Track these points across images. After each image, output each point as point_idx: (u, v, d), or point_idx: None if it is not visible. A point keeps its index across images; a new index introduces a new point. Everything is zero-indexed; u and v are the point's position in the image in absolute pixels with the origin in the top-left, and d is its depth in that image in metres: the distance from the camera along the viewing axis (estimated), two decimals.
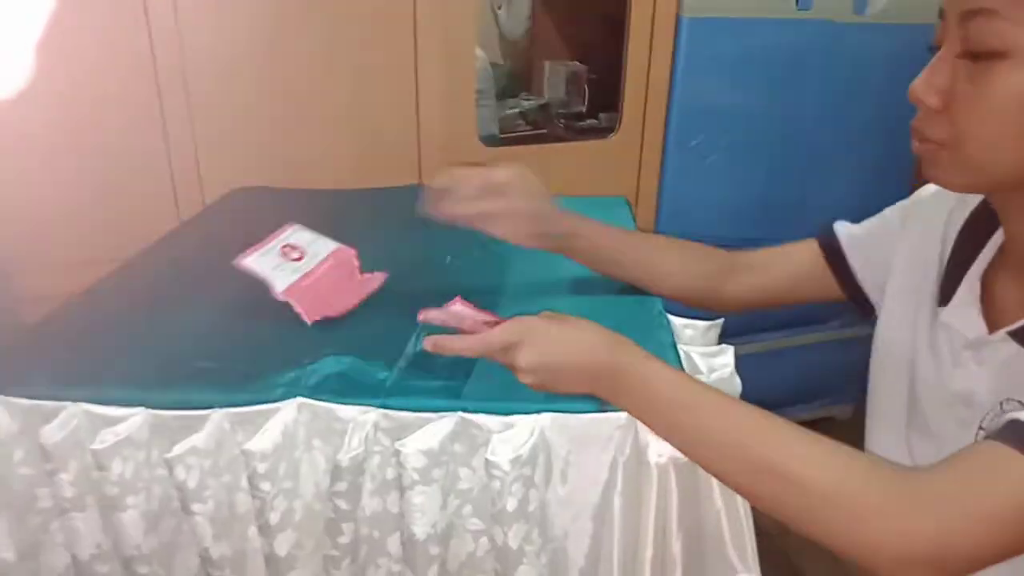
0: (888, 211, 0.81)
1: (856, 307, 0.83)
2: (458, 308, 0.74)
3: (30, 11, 1.27)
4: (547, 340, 0.67)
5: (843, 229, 0.83)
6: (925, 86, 0.59)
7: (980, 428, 0.65)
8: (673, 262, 0.91)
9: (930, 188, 0.76)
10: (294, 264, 0.90)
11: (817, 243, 0.85)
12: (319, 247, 0.95)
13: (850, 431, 0.68)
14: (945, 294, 0.70)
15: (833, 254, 0.83)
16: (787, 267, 0.87)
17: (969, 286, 0.68)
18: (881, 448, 0.78)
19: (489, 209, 0.83)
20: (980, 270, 0.69)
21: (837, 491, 0.54)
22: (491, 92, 2.06)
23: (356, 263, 0.97)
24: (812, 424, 0.72)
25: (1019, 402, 0.62)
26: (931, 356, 0.71)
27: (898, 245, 0.77)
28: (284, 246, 0.91)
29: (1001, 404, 0.63)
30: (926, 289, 0.73)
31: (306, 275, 0.89)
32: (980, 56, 0.55)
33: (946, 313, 0.70)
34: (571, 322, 0.69)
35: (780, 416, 0.59)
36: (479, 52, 2.13)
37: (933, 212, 0.74)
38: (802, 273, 0.86)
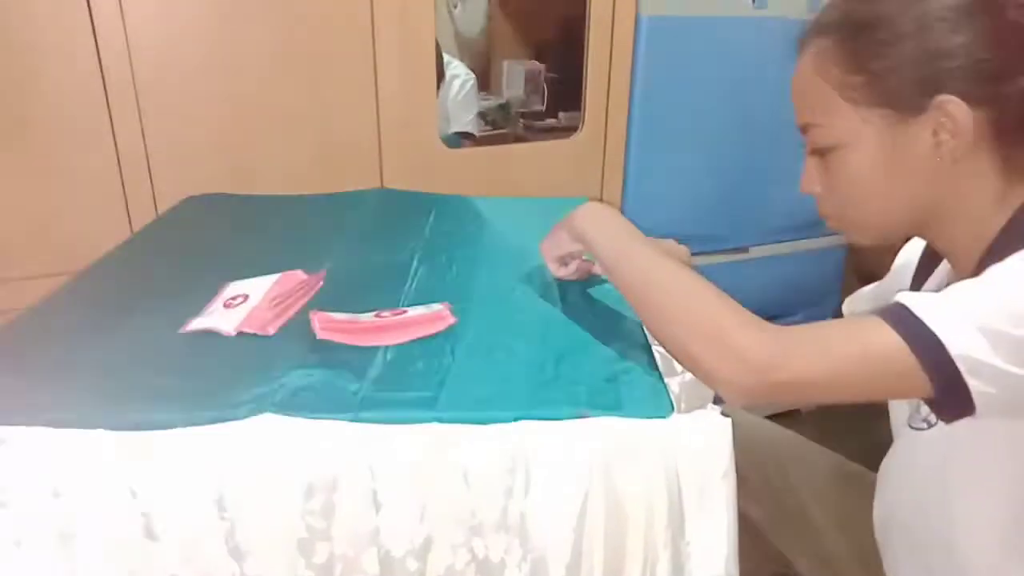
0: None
1: None
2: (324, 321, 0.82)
3: None
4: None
5: (847, 303, 1.00)
6: (805, 182, 0.76)
7: None
8: None
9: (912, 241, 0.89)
10: (240, 308, 0.88)
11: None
12: (262, 283, 0.93)
13: None
14: None
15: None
16: None
17: (930, 288, 0.77)
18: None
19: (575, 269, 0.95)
20: (937, 281, 0.79)
21: (718, 312, 0.66)
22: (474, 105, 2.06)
23: (303, 276, 0.94)
24: None
25: None
26: None
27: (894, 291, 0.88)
28: (226, 302, 0.89)
29: None
30: None
31: (254, 308, 0.87)
32: (822, 151, 0.73)
33: None
34: None
35: None
36: (462, 66, 2.12)
37: (912, 255, 0.86)
38: None
